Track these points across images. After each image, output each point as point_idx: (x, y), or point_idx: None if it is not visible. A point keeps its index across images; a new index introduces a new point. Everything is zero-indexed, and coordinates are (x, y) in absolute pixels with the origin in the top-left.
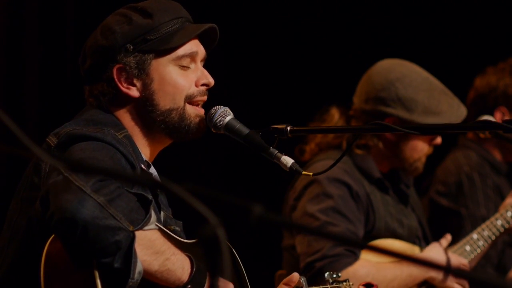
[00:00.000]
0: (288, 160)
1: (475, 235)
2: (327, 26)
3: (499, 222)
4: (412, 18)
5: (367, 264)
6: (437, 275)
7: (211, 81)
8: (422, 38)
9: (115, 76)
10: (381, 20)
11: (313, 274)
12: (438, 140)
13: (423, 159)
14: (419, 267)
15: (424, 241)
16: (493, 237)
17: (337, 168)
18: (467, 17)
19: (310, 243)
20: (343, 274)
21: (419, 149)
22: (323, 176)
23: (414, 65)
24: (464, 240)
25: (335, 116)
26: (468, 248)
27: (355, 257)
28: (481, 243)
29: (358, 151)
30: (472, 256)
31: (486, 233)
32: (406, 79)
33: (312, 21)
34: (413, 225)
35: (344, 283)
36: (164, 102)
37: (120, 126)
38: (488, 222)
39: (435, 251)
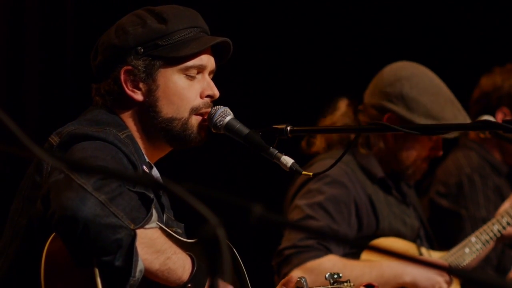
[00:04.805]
0: (288, 160)
1: (473, 238)
2: (327, 26)
3: (495, 228)
4: (414, 19)
5: (334, 258)
6: (411, 280)
7: (216, 93)
8: (427, 39)
9: (122, 77)
10: (383, 20)
11: (280, 262)
12: (439, 152)
13: (422, 166)
14: (392, 272)
15: (426, 241)
16: (491, 242)
17: (338, 169)
18: (474, 19)
19: (288, 235)
20: (308, 265)
21: (416, 153)
22: (323, 174)
23: (429, 70)
24: (463, 243)
25: (341, 109)
26: (467, 250)
27: (326, 252)
28: (479, 246)
29: (362, 150)
30: (471, 258)
31: (483, 237)
32: (415, 79)
33: (312, 21)
34: (415, 224)
35: (345, 284)
36: (167, 110)
37: (122, 126)
38: (485, 227)
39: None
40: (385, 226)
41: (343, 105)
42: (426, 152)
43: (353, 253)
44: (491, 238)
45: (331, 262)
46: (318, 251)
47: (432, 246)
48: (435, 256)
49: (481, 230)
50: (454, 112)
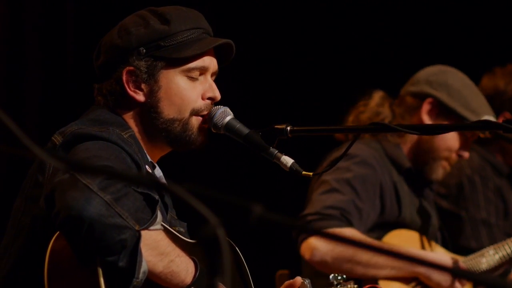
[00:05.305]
0: (288, 160)
1: (492, 251)
2: (326, 26)
3: None
4: (413, 18)
5: (355, 232)
6: (425, 272)
7: (217, 95)
8: (428, 39)
9: (124, 78)
10: (381, 21)
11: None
12: (465, 152)
13: (446, 164)
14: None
15: (442, 243)
16: (508, 258)
17: (368, 151)
18: (473, 17)
19: (313, 203)
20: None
21: (448, 143)
22: (353, 153)
23: None
24: (481, 252)
25: (375, 99)
26: (483, 260)
27: (348, 224)
28: (496, 259)
29: (391, 139)
30: (486, 268)
31: (501, 252)
32: (459, 75)
33: (312, 21)
34: (433, 222)
35: (349, 286)
36: (168, 111)
37: (125, 126)
38: (504, 243)
39: (433, 255)
40: (407, 215)
41: (377, 96)
42: (458, 145)
43: (375, 237)
44: (508, 254)
45: (351, 234)
46: (340, 222)
47: (447, 249)
48: (444, 255)
49: (499, 245)
50: (489, 114)
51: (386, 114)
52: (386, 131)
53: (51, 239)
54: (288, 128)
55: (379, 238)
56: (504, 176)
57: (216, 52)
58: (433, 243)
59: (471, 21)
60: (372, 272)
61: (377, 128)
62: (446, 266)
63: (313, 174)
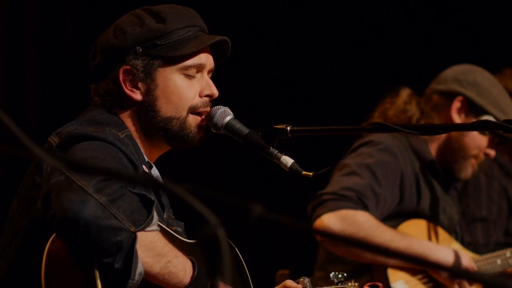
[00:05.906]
0: (288, 160)
1: (508, 253)
2: (326, 24)
3: None
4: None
5: (369, 216)
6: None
7: (215, 92)
8: (436, 39)
9: (120, 77)
10: (381, 20)
11: (316, 204)
12: (491, 151)
13: (475, 163)
14: (421, 250)
15: (460, 239)
16: None
17: (392, 140)
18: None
19: (332, 183)
20: (342, 212)
21: (478, 142)
22: (377, 140)
23: None
24: (496, 253)
25: (403, 96)
26: (499, 261)
27: (363, 208)
28: (511, 261)
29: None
30: (501, 269)
31: None
32: (486, 74)
33: (312, 20)
34: (454, 216)
35: (350, 284)
36: (166, 109)
37: (122, 126)
38: None
39: (444, 250)
40: (425, 206)
41: (404, 93)
42: (485, 144)
43: (393, 226)
44: None
45: (365, 218)
46: (356, 204)
47: (463, 246)
48: (451, 252)
49: None
50: None
51: (413, 111)
52: (386, 131)
53: (48, 240)
54: (288, 128)
55: (396, 227)
56: (511, 176)
57: (212, 50)
58: (450, 238)
59: (481, 22)
60: (381, 258)
61: (377, 128)
62: (445, 265)
63: (313, 174)
